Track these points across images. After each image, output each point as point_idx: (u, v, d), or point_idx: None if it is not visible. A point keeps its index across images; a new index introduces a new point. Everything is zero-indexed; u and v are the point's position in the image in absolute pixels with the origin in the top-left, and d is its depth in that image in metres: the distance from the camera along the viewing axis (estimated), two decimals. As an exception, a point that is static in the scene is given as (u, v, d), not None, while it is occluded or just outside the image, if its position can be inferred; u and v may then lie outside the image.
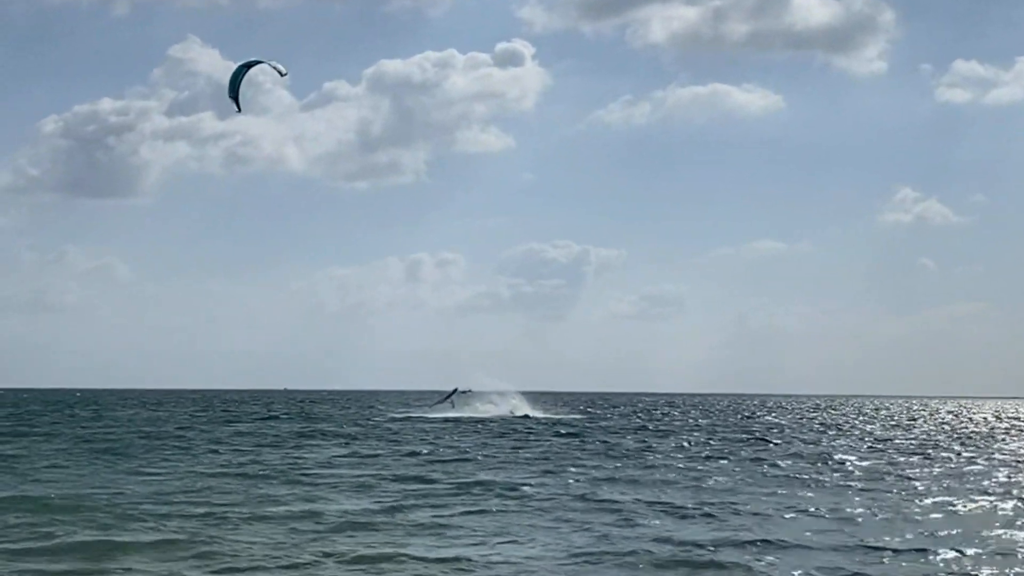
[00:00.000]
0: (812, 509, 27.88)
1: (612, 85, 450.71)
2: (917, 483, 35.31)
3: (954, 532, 24.26)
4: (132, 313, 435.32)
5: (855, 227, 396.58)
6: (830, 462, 44.26)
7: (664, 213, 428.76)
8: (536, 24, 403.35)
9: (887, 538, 23.37)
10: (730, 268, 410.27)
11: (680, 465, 41.36)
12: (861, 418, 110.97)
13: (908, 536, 23.71)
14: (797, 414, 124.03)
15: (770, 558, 21.07)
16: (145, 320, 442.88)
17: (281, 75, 32.32)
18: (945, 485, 34.67)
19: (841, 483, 35.08)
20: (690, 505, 28.43)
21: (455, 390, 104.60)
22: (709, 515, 26.61)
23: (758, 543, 22.47)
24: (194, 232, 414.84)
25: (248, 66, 31.95)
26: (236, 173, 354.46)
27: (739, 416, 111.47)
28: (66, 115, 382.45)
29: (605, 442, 56.61)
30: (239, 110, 32.35)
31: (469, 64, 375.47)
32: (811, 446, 55.63)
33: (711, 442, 58.04)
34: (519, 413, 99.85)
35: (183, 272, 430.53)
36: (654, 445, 54.51)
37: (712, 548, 21.91)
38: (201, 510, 26.38)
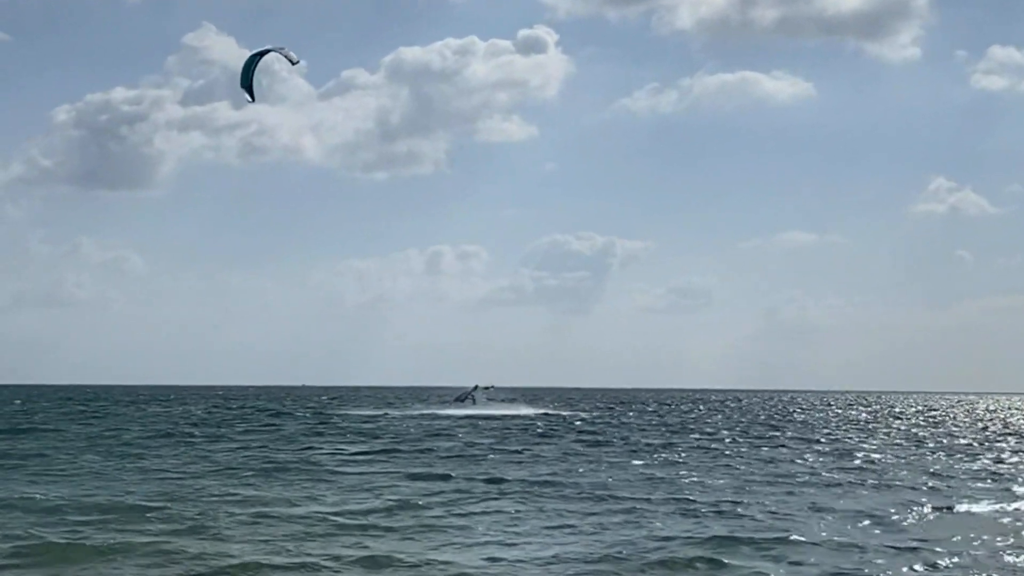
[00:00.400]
0: (836, 508, 27.75)
1: (638, 72, 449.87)
2: (947, 483, 35.11)
3: (978, 535, 24.11)
4: (146, 307, 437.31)
5: (888, 218, 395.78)
6: (857, 460, 44.07)
7: (691, 204, 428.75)
8: (559, 10, 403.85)
9: (911, 539, 23.26)
10: (760, 260, 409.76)
11: (703, 463, 41.25)
12: (892, 415, 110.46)
13: (933, 539, 23.57)
14: (827, 411, 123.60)
15: (791, 558, 21.02)
16: (160, 314, 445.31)
17: (292, 63, 32.27)
18: (976, 486, 34.48)
19: (867, 482, 34.87)
20: (711, 504, 28.35)
21: (476, 387, 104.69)
22: (730, 514, 26.54)
23: (779, 542, 22.39)
24: (209, 224, 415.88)
25: (260, 54, 31.96)
26: (252, 163, 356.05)
27: (766, 413, 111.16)
28: (78, 104, 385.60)
29: (626, 439, 56.56)
30: (252, 100, 32.39)
31: (490, 51, 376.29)
32: (838, 444, 55.39)
33: (736, 439, 57.90)
34: (540, 410, 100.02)
35: (198, 265, 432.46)
36: (676, 443, 54.41)
37: (732, 548, 21.84)
38: (205, 509, 26.47)
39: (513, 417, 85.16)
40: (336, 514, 26.06)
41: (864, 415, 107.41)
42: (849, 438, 60.96)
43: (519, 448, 48.89)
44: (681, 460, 42.72)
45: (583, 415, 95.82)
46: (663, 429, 69.24)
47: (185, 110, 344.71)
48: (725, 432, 65.90)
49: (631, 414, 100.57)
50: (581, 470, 37.62)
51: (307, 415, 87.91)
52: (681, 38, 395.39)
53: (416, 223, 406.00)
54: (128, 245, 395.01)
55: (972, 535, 23.69)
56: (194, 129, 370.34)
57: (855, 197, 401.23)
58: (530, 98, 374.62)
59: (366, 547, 21.90)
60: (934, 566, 20.50)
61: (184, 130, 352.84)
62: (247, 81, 32.01)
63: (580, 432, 63.61)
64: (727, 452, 47.71)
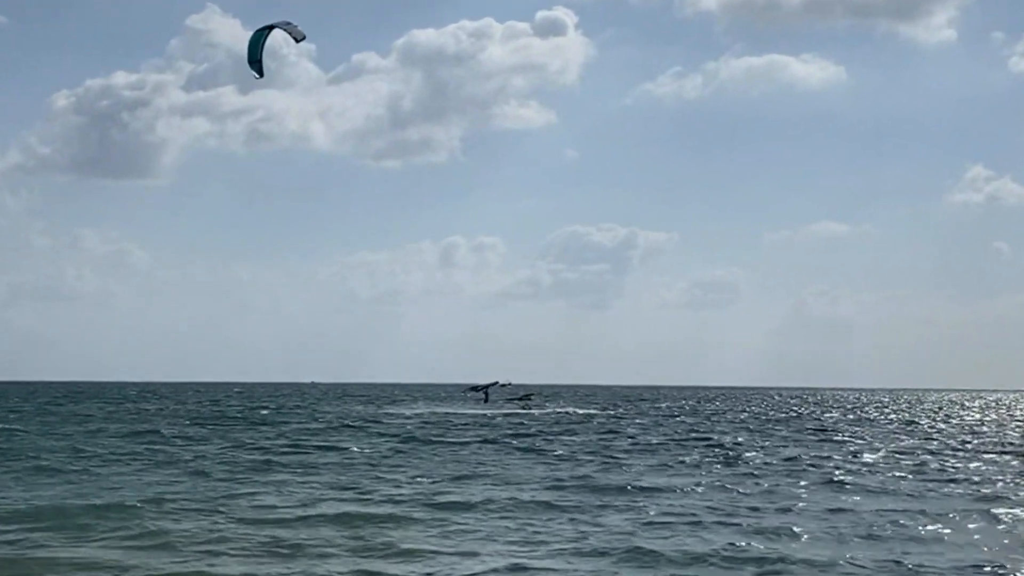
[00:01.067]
0: (855, 516, 27.11)
1: (661, 56, 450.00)
2: (980, 487, 34.40)
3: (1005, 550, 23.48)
4: (150, 301, 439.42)
5: (923, 208, 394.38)
6: (881, 463, 43.39)
7: (717, 194, 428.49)
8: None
9: (924, 558, 22.67)
10: (788, 252, 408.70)
11: (712, 466, 40.62)
12: (925, 414, 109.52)
13: (954, 555, 22.94)
14: (856, 410, 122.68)
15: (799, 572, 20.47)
16: (163, 309, 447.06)
17: (297, 41, 31.76)
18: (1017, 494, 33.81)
19: (888, 488, 34.19)
20: (718, 512, 27.74)
21: (495, 383, 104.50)
22: (735, 524, 25.94)
23: (782, 561, 21.71)
24: (214, 214, 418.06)
25: (268, 29, 31.39)
26: (259, 151, 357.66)
27: (792, 411, 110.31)
28: (78, 90, 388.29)
29: (646, 442, 55.89)
30: (261, 75, 31.73)
31: (507, 34, 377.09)
32: (862, 445, 54.67)
33: (755, 441, 57.16)
34: (557, 408, 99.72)
35: (203, 258, 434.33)
36: (689, 444, 53.88)
37: (732, 565, 21.24)
38: (165, 515, 25.88)
39: (527, 415, 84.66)
40: (319, 519, 25.53)
41: (898, 417, 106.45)
42: (875, 439, 60.22)
43: (529, 447, 48.47)
44: (691, 463, 42.10)
45: (599, 413, 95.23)
46: (681, 429, 68.57)
47: (189, 95, 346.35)
48: (743, 433, 65.14)
49: (650, 412, 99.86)
50: (592, 472, 37.03)
51: (307, 413, 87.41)
52: (705, 20, 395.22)
53: (429, 214, 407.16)
54: (130, 237, 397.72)
55: (1004, 551, 23.06)
56: (198, 115, 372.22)
57: (888, 186, 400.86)
58: (548, 83, 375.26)
59: (352, 559, 21.37)
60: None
61: (188, 116, 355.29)
62: (257, 55, 31.32)
63: (595, 432, 63.02)
64: (743, 454, 47.01)
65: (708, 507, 28.46)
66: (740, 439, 57.69)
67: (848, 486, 33.80)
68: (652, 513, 27.29)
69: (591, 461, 42.05)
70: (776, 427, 73.58)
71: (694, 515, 26.95)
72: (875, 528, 25.20)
